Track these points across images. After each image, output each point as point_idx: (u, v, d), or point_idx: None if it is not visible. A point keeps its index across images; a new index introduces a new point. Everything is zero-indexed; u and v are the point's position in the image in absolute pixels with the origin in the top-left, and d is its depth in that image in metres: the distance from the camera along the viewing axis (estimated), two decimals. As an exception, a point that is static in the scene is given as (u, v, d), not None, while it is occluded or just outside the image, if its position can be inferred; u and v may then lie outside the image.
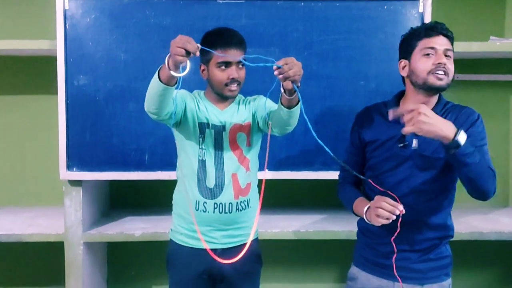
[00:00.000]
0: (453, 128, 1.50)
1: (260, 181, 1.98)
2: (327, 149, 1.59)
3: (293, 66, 1.51)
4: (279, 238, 2.39)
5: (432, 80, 1.66)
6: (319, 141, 1.58)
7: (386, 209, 1.59)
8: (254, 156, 1.94)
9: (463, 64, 2.83)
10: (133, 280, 2.91)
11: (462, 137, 1.50)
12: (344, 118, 2.32)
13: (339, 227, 2.44)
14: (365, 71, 2.34)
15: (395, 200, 1.62)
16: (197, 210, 1.85)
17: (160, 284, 2.88)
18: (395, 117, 1.57)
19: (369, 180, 1.73)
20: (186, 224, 1.88)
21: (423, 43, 1.69)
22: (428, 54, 1.68)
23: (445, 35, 1.69)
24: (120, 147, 2.32)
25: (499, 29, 2.86)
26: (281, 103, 1.65)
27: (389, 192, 1.66)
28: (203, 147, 1.85)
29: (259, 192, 1.95)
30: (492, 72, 2.87)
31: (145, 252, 2.82)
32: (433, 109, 1.70)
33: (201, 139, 1.85)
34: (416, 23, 2.30)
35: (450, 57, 1.68)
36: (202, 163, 1.85)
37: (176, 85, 1.60)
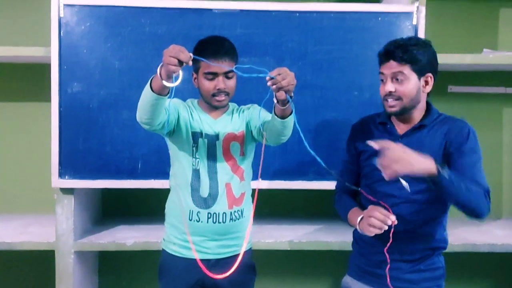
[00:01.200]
0: (433, 164, 1.53)
1: (253, 190, 1.98)
2: (319, 159, 1.58)
3: (286, 76, 1.51)
4: (272, 248, 2.38)
5: (386, 106, 1.74)
6: (311, 151, 1.58)
7: (378, 219, 1.59)
8: (248, 165, 1.93)
9: (456, 76, 2.85)
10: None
11: (445, 172, 1.53)
12: (337, 128, 2.34)
13: (333, 237, 2.43)
14: (359, 82, 2.35)
15: (388, 210, 1.62)
16: (190, 220, 1.83)
17: (152, 294, 2.85)
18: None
19: (361, 190, 1.73)
20: (179, 234, 1.86)
21: (380, 69, 1.75)
22: (382, 80, 1.75)
23: (396, 58, 1.68)
24: (113, 155, 2.31)
25: (492, 41, 2.88)
26: (275, 113, 1.65)
27: (382, 203, 1.66)
28: (197, 156, 1.84)
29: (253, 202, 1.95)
30: (485, 84, 2.89)
31: (137, 262, 2.79)
32: (421, 121, 1.74)
33: (194, 149, 1.84)
34: (410, 35, 2.32)
35: (401, 80, 1.69)
36: (196, 173, 1.84)
37: (168, 95, 1.60)
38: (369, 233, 1.63)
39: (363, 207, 1.76)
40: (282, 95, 1.54)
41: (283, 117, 1.64)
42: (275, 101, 1.61)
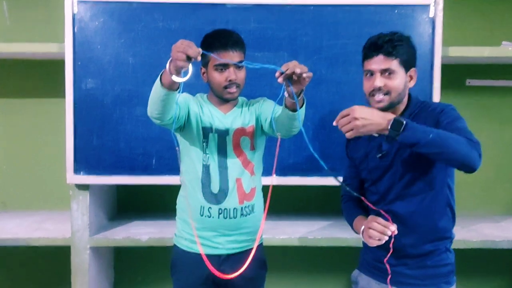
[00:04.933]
0: (388, 116, 1.52)
1: (266, 186, 1.97)
2: (322, 163, 1.57)
3: (294, 67, 1.49)
4: (286, 244, 2.36)
5: (372, 103, 1.70)
6: (315, 154, 1.57)
7: (377, 230, 1.59)
8: (258, 160, 1.92)
9: (474, 69, 2.80)
10: (140, 285, 2.89)
11: (398, 122, 1.50)
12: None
13: (348, 233, 2.40)
14: (375, 76, 2.31)
15: (388, 220, 1.61)
16: (201, 215, 1.83)
17: (167, 289, 2.86)
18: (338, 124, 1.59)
19: (363, 198, 1.71)
20: (190, 230, 1.85)
21: (364, 66, 1.73)
22: (367, 76, 1.72)
23: (385, 52, 1.66)
24: (127, 151, 2.31)
25: (511, 33, 2.82)
26: (286, 106, 1.63)
27: (382, 212, 1.64)
28: (207, 152, 1.83)
29: (264, 197, 1.93)
30: (504, 77, 2.83)
31: (152, 257, 2.80)
32: (402, 114, 1.72)
33: (204, 144, 1.83)
34: (426, 28, 2.28)
35: (390, 75, 1.66)
36: (206, 168, 1.83)
37: (178, 90, 1.59)
38: (369, 244, 1.63)
39: (369, 214, 1.75)
40: (298, 87, 1.54)
41: (294, 109, 1.62)
42: (286, 94, 1.59)
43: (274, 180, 2.25)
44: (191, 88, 1.85)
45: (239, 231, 1.86)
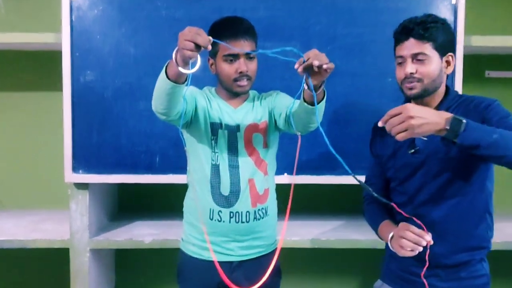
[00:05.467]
0: (444, 115, 1.33)
1: (282, 186, 1.84)
2: (343, 162, 1.40)
3: (318, 57, 1.36)
4: (298, 246, 2.24)
5: (405, 90, 1.57)
6: (334, 153, 1.39)
7: (410, 240, 1.43)
8: (272, 158, 1.78)
9: (494, 60, 2.65)
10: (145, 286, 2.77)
11: (457, 121, 1.31)
12: (370, 118, 2.12)
13: (363, 235, 2.27)
14: (393, 67, 2.13)
15: (422, 228, 1.44)
16: (211, 219, 1.69)
17: (171, 291, 2.74)
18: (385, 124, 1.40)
19: (392, 204, 1.50)
20: (198, 235, 1.71)
21: (396, 51, 1.60)
22: (400, 63, 1.58)
23: (416, 36, 1.52)
24: (129, 148, 2.17)
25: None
26: (304, 100, 1.49)
27: (415, 219, 1.47)
28: (216, 150, 1.69)
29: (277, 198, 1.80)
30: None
31: (155, 259, 2.68)
32: (439, 106, 1.57)
33: (213, 142, 1.69)
34: (448, 16, 2.13)
35: (422, 60, 1.52)
36: (215, 168, 1.69)
37: (186, 82, 1.44)
38: (401, 254, 1.47)
39: (395, 218, 1.60)
40: (318, 79, 1.40)
41: (312, 103, 1.47)
42: (305, 87, 1.45)
43: (292, 179, 2.12)
44: (197, 81, 1.70)
45: (252, 235, 1.72)
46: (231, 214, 1.68)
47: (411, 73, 1.52)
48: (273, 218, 1.77)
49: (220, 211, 1.68)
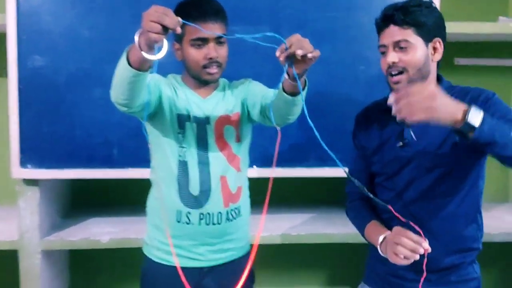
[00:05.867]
0: (461, 106, 1.20)
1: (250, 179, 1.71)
2: (333, 155, 1.27)
3: (301, 45, 1.24)
4: (267, 242, 2.13)
5: (390, 83, 1.46)
6: (324, 145, 1.26)
7: (406, 247, 1.31)
8: (244, 153, 1.64)
9: (464, 47, 2.60)
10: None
11: (475, 114, 1.18)
12: (342, 108, 2.08)
13: (335, 228, 2.19)
14: (366, 55, 2.07)
15: (420, 234, 1.32)
16: (178, 221, 1.53)
17: (130, 293, 2.57)
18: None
19: (389, 206, 1.35)
20: (164, 238, 1.56)
21: (379, 41, 1.48)
22: (383, 53, 1.47)
23: (397, 22, 1.41)
24: (84, 140, 1.99)
25: (505, 8, 2.63)
26: (284, 90, 1.36)
27: (412, 224, 1.34)
28: (184, 145, 1.53)
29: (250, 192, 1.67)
30: (494, 56, 2.64)
31: (113, 259, 2.50)
32: None
33: (180, 135, 1.53)
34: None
35: (405, 48, 1.41)
36: (183, 165, 1.53)
37: (150, 70, 1.28)
38: (394, 261, 1.35)
39: (381, 216, 1.50)
40: (301, 68, 1.27)
41: (293, 93, 1.34)
42: (286, 76, 1.32)
43: (253, 172, 2.00)
44: (160, 68, 1.55)
45: (224, 238, 1.58)
46: (201, 215, 1.53)
47: (393, 62, 1.41)
48: (246, 218, 1.65)
49: (188, 212, 1.53)
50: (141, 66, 1.24)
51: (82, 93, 1.98)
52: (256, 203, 2.14)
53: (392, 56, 1.41)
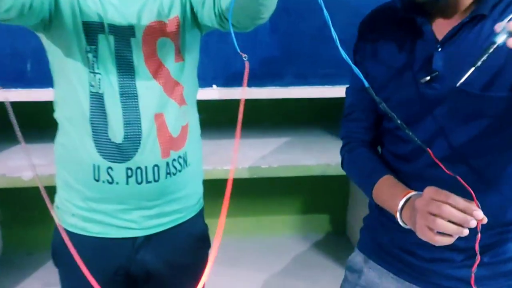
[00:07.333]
0: None
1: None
2: (358, 72, 0.80)
3: None
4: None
5: None
6: (350, 63, 0.79)
7: (454, 218, 0.82)
8: (190, 76, 1.13)
9: None
10: (33, 221, 2.21)
11: None
12: (332, 6, 1.57)
13: (312, 159, 1.80)
14: None
15: (465, 196, 0.84)
16: (97, 180, 1.06)
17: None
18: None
19: (429, 150, 0.88)
20: (81, 201, 1.10)
21: None
22: None
23: None
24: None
25: None
26: None
27: (459, 178, 0.86)
28: (97, 69, 1.01)
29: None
30: None
31: (40, 198, 2.07)
32: (475, 10, 0.91)
33: (91, 55, 1.00)
34: None
35: None
36: (98, 99, 1.02)
37: None
38: (430, 240, 0.85)
39: (391, 168, 1.04)
40: None
41: None
42: None
43: (213, 93, 1.53)
44: None
45: (165, 199, 1.12)
46: (129, 171, 1.05)
47: None
48: (197, 167, 1.18)
49: (110, 167, 1.05)
50: None
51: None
52: (218, 126, 1.72)
53: None
